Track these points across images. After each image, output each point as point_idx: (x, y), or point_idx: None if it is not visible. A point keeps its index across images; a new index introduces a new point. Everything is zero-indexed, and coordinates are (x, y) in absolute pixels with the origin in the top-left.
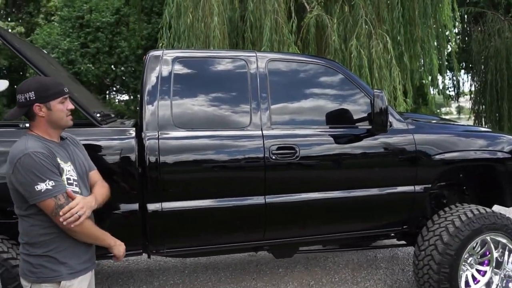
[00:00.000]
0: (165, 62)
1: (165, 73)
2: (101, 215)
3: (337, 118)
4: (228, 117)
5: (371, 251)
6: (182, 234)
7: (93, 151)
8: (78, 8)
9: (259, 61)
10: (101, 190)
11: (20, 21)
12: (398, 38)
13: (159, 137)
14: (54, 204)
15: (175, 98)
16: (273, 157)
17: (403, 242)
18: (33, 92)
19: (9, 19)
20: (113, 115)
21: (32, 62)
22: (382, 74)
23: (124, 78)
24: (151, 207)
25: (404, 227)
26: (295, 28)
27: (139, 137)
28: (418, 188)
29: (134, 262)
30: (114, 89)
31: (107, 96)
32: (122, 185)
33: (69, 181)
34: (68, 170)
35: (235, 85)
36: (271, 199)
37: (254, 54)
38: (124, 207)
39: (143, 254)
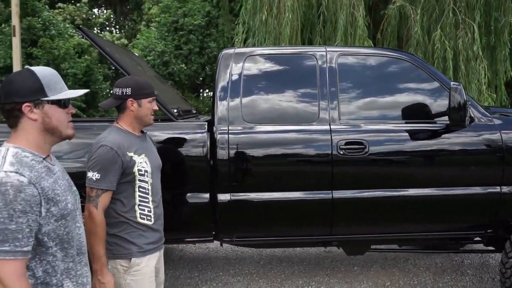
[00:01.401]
0: (236, 59)
1: (236, 70)
2: (175, 203)
3: (413, 113)
4: (296, 112)
5: (457, 256)
6: (250, 224)
7: (169, 143)
8: (173, 13)
9: (329, 56)
10: None
11: (127, 27)
12: (483, 26)
13: (229, 131)
14: (88, 193)
15: (245, 94)
16: (341, 152)
17: (491, 248)
18: (130, 89)
19: (117, 26)
20: (194, 111)
21: (119, 63)
22: (470, 67)
23: (213, 76)
24: (221, 197)
25: (489, 231)
26: (374, 21)
27: (211, 131)
28: (505, 189)
29: (214, 250)
30: (206, 87)
31: (201, 94)
32: (194, 176)
33: (140, 172)
34: (140, 162)
35: (303, 80)
36: (338, 194)
37: (324, 49)
38: (196, 196)
39: (214, 241)
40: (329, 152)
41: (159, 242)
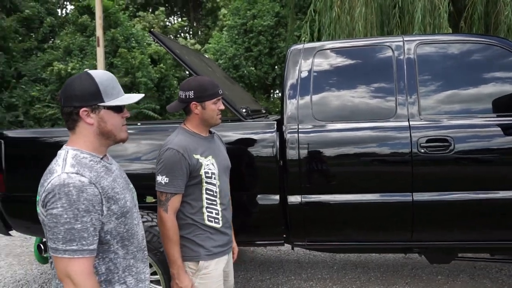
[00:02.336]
0: (305, 55)
1: (305, 66)
2: (245, 205)
3: (506, 105)
4: (370, 108)
5: None
6: (323, 228)
7: (237, 143)
8: (242, 15)
9: (407, 46)
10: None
11: (199, 33)
12: None
13: (299, 130)
14: (158, 197)
15: (316, 91)
16: (422, 151)
17: None
18: (192, 92)
19: (191, 32)
20: (264, 111)
21: (188, 64)
22: None
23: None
24: (292, 199)
25: None
26: (455, 8)
27: (280, 130)
28: None
29: (285, 253)
30: (276, 87)
31: (271, 95)
32: (263, 177)
33: (207, 175)
34: (207, 164)
35: (378, 73)
36: (419, 196)
37: (401, 39)
38: (266, 198)
39: (286, 244)
40: (408, 150)
41: (228, 245)
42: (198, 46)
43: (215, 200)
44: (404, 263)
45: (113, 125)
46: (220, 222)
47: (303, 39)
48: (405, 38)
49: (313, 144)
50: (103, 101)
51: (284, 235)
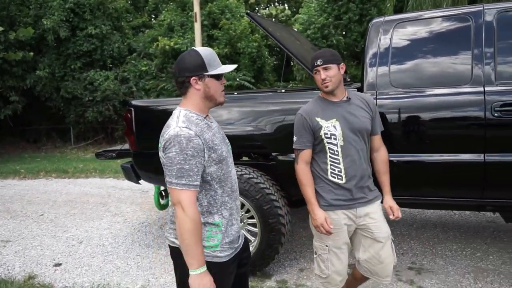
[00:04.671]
0: (385, 27)
1: (384, 37)
2: None
3: None
4: (446, 76)
5: None
6: (399, 184)
7: None
8: None
9: (487, 15)
10: (385, 166)
11: (291, 2)
12: None
13: (377, 97)
14: (294, 152)
15: (393, 60)
16: (495, 114)
17: None
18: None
19: (281, 2)
20: (348, 79)
21: (279, 41)
22: None
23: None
24: None
25: None
26: None
27: None
28: None
29: None
30: None
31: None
32: None
33: (326, 135)
34: (327, 126)
35: (455, 42)
36: (491, 157)
37: (481, 8)
38: None
39: None
40: (482, 114)
41: (351, 202)
42: (288, 12)
43: (337, 159)
44: (486, 226)
45: (215, 90)
46: (344, 178)
47: (388, 5)
48: (486, 7)
49: (389, 110)
50: (207, 71)
51: None
